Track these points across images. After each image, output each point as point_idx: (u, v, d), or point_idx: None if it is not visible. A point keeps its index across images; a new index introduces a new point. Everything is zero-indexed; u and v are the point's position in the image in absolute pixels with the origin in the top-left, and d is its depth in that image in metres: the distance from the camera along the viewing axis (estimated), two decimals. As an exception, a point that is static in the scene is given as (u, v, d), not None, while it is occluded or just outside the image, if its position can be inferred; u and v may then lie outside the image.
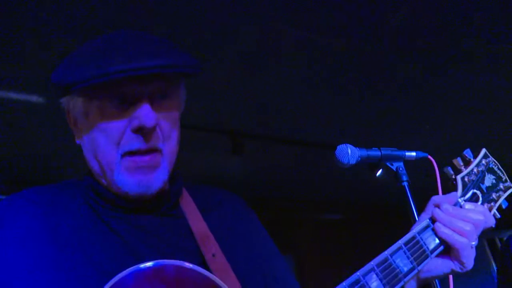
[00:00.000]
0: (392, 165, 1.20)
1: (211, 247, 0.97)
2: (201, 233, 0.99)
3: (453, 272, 1.04)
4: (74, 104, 0.98)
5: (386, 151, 1.20)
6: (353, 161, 1.15)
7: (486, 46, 3.50)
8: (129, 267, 0.82)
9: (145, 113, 0.91)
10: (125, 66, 0.87)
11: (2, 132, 3.84)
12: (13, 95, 3.34)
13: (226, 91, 3.74)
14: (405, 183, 1.19)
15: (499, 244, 7.08)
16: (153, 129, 0.93)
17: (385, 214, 6.43)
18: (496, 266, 6.52)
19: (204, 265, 0.94)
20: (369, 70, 3.68)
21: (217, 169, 5.19)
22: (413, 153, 1.23)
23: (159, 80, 0.94)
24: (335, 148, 1.17)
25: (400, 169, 1.20)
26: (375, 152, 1.19)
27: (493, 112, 4.65)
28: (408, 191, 1.18)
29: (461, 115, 4.63)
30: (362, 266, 0.95)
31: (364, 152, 1.17)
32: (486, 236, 7.31)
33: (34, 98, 3.39)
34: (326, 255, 6.40)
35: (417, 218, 1.13)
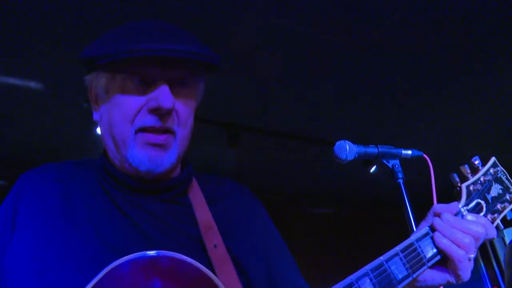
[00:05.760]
0: (388, 162, 1.22)
1: (213, 238, 0.98)
2: (205, 223, 1.01)
3: (449, 283, 1.02)
4: (97, 80, 1.02)
5: (383, 149, 1.21)
6: (350, 157, 1.17)
7: (486, 48, 3.53)
8: (138, 247, 0.85)
9: (163, 94, 0.94)
10: (157, 46, 0.91)
11: (2, 118, 3.82)
12: (12, 81, 3.33)
13: (223, 83, 3.74)
14: (400, 180, 1.20)
15: (488, 244, 7.15)
16: (170, 111, 0.96)
17: (378, 209, 6.48)
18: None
19: (205, 254, 0.96)
20: (368, 67, 3.69)
21: (212, 160, 5.20)
22: (409, 151, 1.25)
23: (182, 68, 0.98)
24: (331, 143, 1.18)
25: (396, 166, 1.21)
26: (372, 149, 1.20)
27: (491, 113, 4.68)
28: (403, 188, 1.19)
29: (459, 115, 4.65)
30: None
31: (362, 149, 1.18)
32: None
33: (33, 84, 3.39)
34: (318, 249, 6.44)
35: (411, 215, 1.14)
